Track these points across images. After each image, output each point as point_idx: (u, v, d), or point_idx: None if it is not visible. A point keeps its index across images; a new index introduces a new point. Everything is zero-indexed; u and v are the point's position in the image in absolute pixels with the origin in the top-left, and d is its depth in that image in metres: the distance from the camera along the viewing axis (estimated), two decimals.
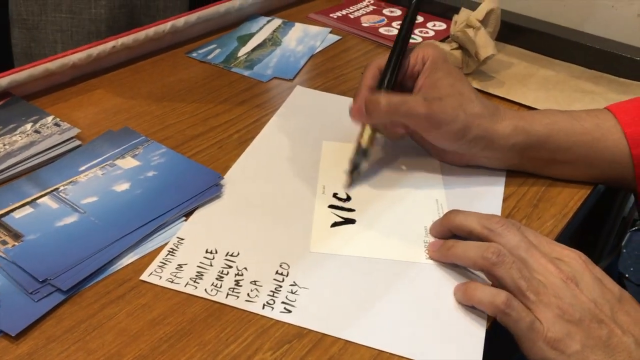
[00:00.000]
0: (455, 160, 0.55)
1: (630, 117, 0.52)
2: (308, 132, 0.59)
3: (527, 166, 0.54)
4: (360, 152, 0.52)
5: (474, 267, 0.43)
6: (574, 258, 0.41)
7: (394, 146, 0.57)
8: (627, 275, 1.24)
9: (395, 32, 0.78)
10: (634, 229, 1.27)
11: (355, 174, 0.52)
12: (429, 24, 0.81)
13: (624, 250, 1.30)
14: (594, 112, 0.53)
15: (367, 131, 0.53)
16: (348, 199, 0.51)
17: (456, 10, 0.72)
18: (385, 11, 0.84)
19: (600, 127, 0.52)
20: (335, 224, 0.49)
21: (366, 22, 0.80)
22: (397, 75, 0.53)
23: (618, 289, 0.40)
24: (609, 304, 0.39)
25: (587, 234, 0.92)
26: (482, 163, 0.54)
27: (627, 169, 0.51)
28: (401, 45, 0.53)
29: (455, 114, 0.50)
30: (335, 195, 0.52)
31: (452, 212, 0.46)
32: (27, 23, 0.78)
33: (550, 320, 0.38)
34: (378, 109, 0.50)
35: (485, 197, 0.52)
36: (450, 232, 0.46)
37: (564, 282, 0.40)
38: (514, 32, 0.76)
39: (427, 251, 0.46)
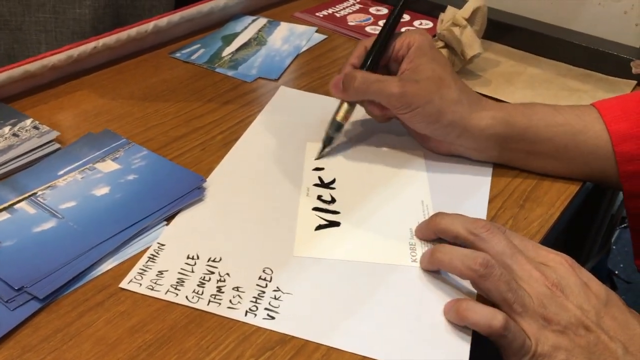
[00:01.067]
0: (435, 147, 0.55)
1: (614, 114, 0.51)
2: (292, 133, 0.58)
3: (507, 158, 0.54)
4: (335, 126, 0.55)
5: (460, 277, 0.42)
6: (559, 262, 0.41)
7: (379, 147, 0.57)
8: (616, 272, 1.25)
9: None
10: (622, 226, 1.27)
11: (327, 147, 0.55)
12: (416, 23, 0.80)
13: (614, 247, 1.30)
14: (578, 106, 0.53)
15: (344, 106, 0.54)
16: (333, 201, 0.51)
17: (442, 9, 0.71)
18: (372, 10, 0.83)
19: (581, 119, 0.51)
20: (319, 227, 0.48)
21: (352, 20, 0.80)
22: (380, 57, 0.54)
23: (604, 292, 0.40)
24: (595, 310, 0.39)
25: (576, 232, 0.92)
26: (462, 153, 0.54)
27: (609, 165, 0.51)
28: (389, 28, 0.54)
29: (429, 97, 0.50)
30: (319, 197, 0.51)
31: (438, 215, 0.45)
32: (10, 24, 0.77)
33: (536, 333, 0.38)
34: (352, 85, 0.52)
35: (471, 198, 0.52)
36: (435, 235, 0.45)
37: (549, 289, 0.39)
38: (500, 30, 0.75)
39: (417, 262, 0.45)
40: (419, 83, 0.51)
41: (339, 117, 0.55)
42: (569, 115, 0.52)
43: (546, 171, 0.54)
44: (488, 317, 0.38)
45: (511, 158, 0.54)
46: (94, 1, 0.77)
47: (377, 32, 0.76)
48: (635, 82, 0.69)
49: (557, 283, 0.39)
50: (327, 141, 0.55)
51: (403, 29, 0.78)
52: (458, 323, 0.40)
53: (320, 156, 0.55)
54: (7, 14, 0.75)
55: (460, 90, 0.52)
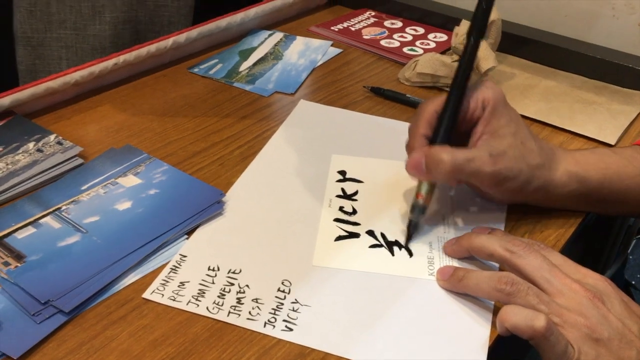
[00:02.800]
0: (505, 202, 0.52)
1: None
2: (314, 145, 0.59)
3: (578, 208, 0.52)
4: (418, 210, 0.49)
5: (488, 299, 0.42)
6: (599, 279, 0.41)
7: (402, 160, 0.57)
8: (633, 283, 1.23)
9: (397, 44, 0.78)
10: (639, 236, 1.26)
11: (413, 230, 0.49)
12: (430, 36, 0.81)
13: (630, 257, 1.29)
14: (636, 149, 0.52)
15: (425, 187, 0.49)
16: (354, 212, 0.51)
17: (457, 22, 0.72)
18: (387, 23, 0.84)
19: None
20: (339, 238, 0.49)
21: (367, 34, 0.80)
22: (455, 124, 0.49)
23: None
24: (637, 326, 0.38)
25: (592, 243, 0.91)
26: (531, 203, 0.52)
27: None
28: (460, 91, 0.49)
29: (519, 169, 0.47)
30: (341, 208, 0.52)
31: (472, 234, 0.46)
32: (32, 41, 0.79)
33: (579, 340, 0.37)
34: (441, 168, 0.46)
35: (489, 210, 0.52)
36: (468, 253, 0.46)
37: (590, 300, 0.39)
38: (515, 43, 0.76)
39: (434, 275, 0.45)
40: (506, 155, 0.47)
41: (422, 200, 0.49)
42: (638, 161, 0.51)
43: (612, 214, 0.53)
44: (529, 318, 0.37)
45: (583, 207, 0.52)
46: (114, 17, 0.79)
47: (392, 45, 0.78)
48: None
49: (598, 296, 0.39)
50: (413, 228, 0.49)
51: (417, 42, 0.79)
52: (498, 328, 0.39)
53: (407, 244, 0.49)
54: (30, 31, 0.77)
55: (540, 151, 0.49)
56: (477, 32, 0.50)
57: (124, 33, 0.81)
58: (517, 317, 0.38)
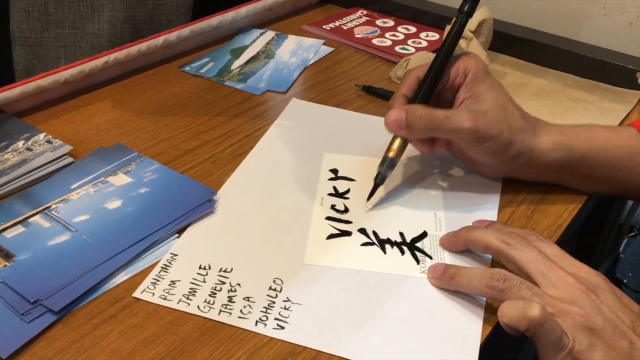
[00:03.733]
0: (491, 172, 0.54)
1: None
2: (306, 144, 0.59)
3: (565, 181, 0.53)
4: (388, 163, 0.51)
5: (481, 296, 0.42)
6: (593, 274, 0.41)
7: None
8: (625, 281, 1.24)
9: (389, 43, 0.78)
10: (631, 234, 1.27)
11: (380, 183, 0.51)
12: (422, 34, 0.81)
13: (622, 256, 1.30)
14: (631, 127, 0.53)
15: (397, 142, 0.51)
16: (346, 210, 0.51)
17: (448, 21, 0.71)
18: (379, 22, 0.84)
19: (636, 138, 0.51)
20: (331, 236, 0.49)
21: (359, 33, 0.80)
22: (435, 87, 0.52)
23: (637, 307, 0.40)
24: (630, 318, 0.39)
25: (584, 242, 0.92)
26: (517, 176, 0.53)
27: None
28: (443, 57, 0.51)
29: (499, 129, 0.49)
30: (333, 207, 0.51)
31: (470, 227, 0.46)
32: (30, 40, 0.78)
33: (573, 329, 0.37)
34: (419, 124, 0.48)
35: (481, 209, 0.52)
36: (464, 245, 0.46)
37: (584, 292, 0.39)
38: (506, 41, 0.76)
39: (426, 273, 0.45)
40: (487, 114, 0.49)
41: (392, 154, 0.51)
42: (626, 135, 0.52)
43: (601, 193, 0.54)
44: (522, 308, 0.37)
45: (568, 181, 0.53)
46: (112, 16, 0.79)
47: (384, 44, 0.78)
48: None
49: (592, 288, 0.39)
50: (381, 180, 0.51)
51: (409, 41, 0.79)
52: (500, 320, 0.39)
53: (370, 201, 0.51)
54: (27, 31, 0.77)
55: (523, 117, 0.51)
56: (471, 4, 0.53)
57: (122, 32, 0.80)
58: (511, 310, 0.38)
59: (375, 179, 0.51)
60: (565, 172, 0.52)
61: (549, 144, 0.51)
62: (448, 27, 0.71)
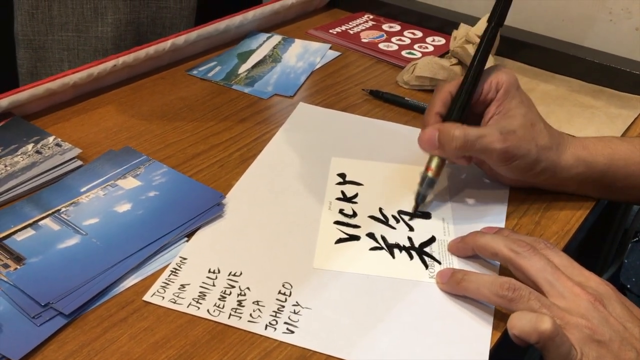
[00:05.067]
0: (512, 183, 0.54)
1: None
2: (314, 148, 0.59)
3: (584, 192, 0.54)
4: (427, 183, 0.51)
5: (489, 304, 0.43)
6: (601, 283, 0.41)
7: (402, 162, 0.57)
8: (628, 286, 1.24)
9: (395, 47, 0.78)
10: (635, 240, 1.27)
11: (420, 202, 0.52)
12: (428, 39, 0.81)
13: (626, 261, 1.30)
14: None
15: (435, 161, 0.51)
16: (354, 215, 0.51)
17: (455, 26, 0.72)
18: (385, 27, 0.84)
19: None
20: (339, 240, 0.49)
21: (366, 37, 0.81)
22: (469, 104, 0.51)
23: None
24: (638, 328, 0.39)
25: (589, 247, 0.92)
26: (539, 187, 0.54)
27: None
28: (475, 73, 0.51)
29: (528, 148, 0.49)
30: (341, 211, 0.52)
31: (478, 233, 0.46)
32: (33, 43, 0.78)
33: (580, 342, 0.38)
34: (453, 143, 0.49)
35: (489, 214, 0.52)
36: (472, 251, 0.46)
37: (591, 304, 0.39)
38: (513, 47, 0.76)
39: (434, 278, 0.45)
40: (516, 134, 0.49)
41: (431, 173, 0.51)
42: None
43: (617, 200, 0.55)
44: (534, 321, 0.37)
45: (587, 192, 0.54)
46: (116, 19, 0.79)
47: (390, 48, 0.78)
48: None
49: (599, 299, 0.39)
50: (421, 200, 0.52)
51: (416, 46, 0.79)
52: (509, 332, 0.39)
53: (414, 215, 0.51)
54: (31, 34, 0.77)
55: (549, 134, 0.51)
56: (498, 18, 0.52)
57: (126, 35, 0.81)
58: (522, 321, 0.38)
59: (416, 199, 0.52)
60: (585, 185, 0.53)
61: (571, 159, 0.51)
62: (455, 32, 0.71)
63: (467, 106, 0.51)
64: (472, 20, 0.71)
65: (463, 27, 0.70)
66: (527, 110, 0.50)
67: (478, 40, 0.69)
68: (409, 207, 0.52)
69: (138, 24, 0.82)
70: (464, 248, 0.46)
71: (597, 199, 0.54)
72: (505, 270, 0.45)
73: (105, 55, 0.66)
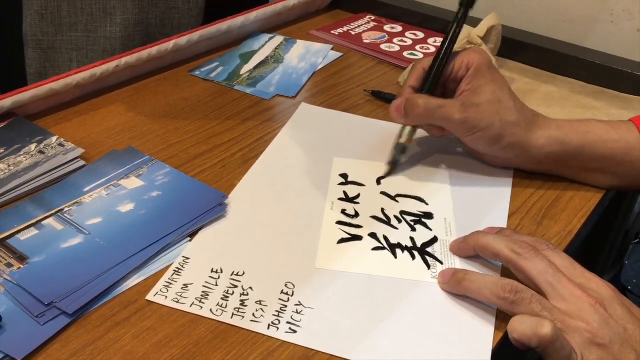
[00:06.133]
0: (491, 161, 0.57)
1: None
2: (316, 149, 0.59)
3: (562, 172, 0.56)
4: (399, 149, 0.55)
5: (491, 305, 0.43)
6: (602, 285, 0.41)
7: (406, 163, 0.58)
8: (629, 288, 1.24)
9: (397, 48, 0.78)
10: (636, 241, 1.27)
11: (393, 167, 0.56)
12: (430, 40, 0.81)
13: (627, 262, 1.30)
14: (629, 122, 0.54)
15: (407, 129, 0.55)
16: (356, 215, 0.51)
17: None
18: (387, 27, 0.84)
19: (635, 134, 0.53)
20: (341, 241, 0.49)
21: (367, 38, 0.81)
22: (439, 79, 0.55)
23: None
24: (639, 330, 0.39)
25: (590, 248, 0.92)
26: (517, 166, 0.56)
27: None
28: (446, 50, 0.55)
29: (490, 121, 0.52)
30: (343, 211, 0.52)
31: (480, 232, 0.46)
32: (42, 43, 0.78)
33: (581, 345, 0.38)
34: (415, 111, 0.53)
35: (491, 214, 0.52)
36: (474, 252, 0.46)
37: (592, 306, 0.39)
38: (515, 48, 0.76)
39: (437, 278, 0.46)
40: (479, 107, 0.52)
41: (403, 140, 0.55)
42: (623, 130, 0.53)
43: (599, 185, 0.55)
44: (535, 325, 0.37)
45: (566, 172, 0.56)
46: (125, 20, 0.79)
47: (392, 49, 0.78)
48: None
49: (600, 302, 0.39)
50: (394, 165, 0.56)
51: (417, 47, 0.79)
52: (510, 335, 0.39)
53: (386, 176, 0.56)
54: (40, 34, 0.77)
55: (518, 112, 0.53)
56: (468, 2, 0.56)
57: (134, 35, 0.81)
58: (522, 326, 0.38)
59: (389, 164, 0.56)
60: (561, 165, 0.54)
61: (542, 138, 0.53)
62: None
63: (437, 80, 0.55)
64: (473, 22, 0.71)
65: (465, 29, 0.70)
66: (496, 88, 0.53)
67: (480, 41, 0.69)
68: (412, 208, 0.53)
69: (147, 25, 0.82)
70: (465, 248, 0.47)
71: (583, 183, 0.55)
72: (507, 270, 0.45)
73: (114, 55, 0.66)
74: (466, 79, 0.54)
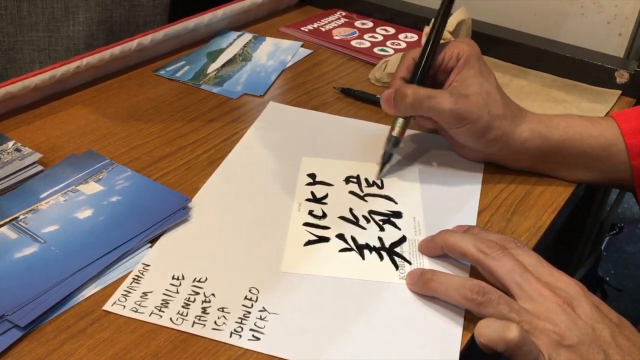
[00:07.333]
0: (472, 156, 0.56)
1: (631, 126, 0.52)
2: (284, 148, 0.58)
3: (540, 168, 0.55)
4: (392, 142, 0.54)
5: (458, 305, 0.42)
6: (570, 283, 0.41)
7: (372, 161, 0.57)
8: (607, 279, 1.24)
9: (367, 44, 0.77)
10: (612, 232, 1.27)
11: (386, 160, 0.55)
12: (401, 36, 0.80)
13: (604, 254, 1.30)
14: (609, 118, 0.54)
15: (399, 121, 0.54)
16: (324, 216, 0.50)
17: (427, 22, 0.71)
18: (357, 23, 0.83)
19: (615, 130, 0.53)
20: (308, 242, 0.48)
21: (338, 35, 0.80)
22: (429, 70, 0.54)
23: (616, 316, 0.40)
24: (609, 329, 0.38)
25: (565, 240, 0.92)
26: (496, 161, 0.56)
27: (627, 175, 0.53)
28: (434, 40, 0.54)
29: (479, 114, 0.51)
30: (311, 212, 0.50)
31: (447, 232, 0.45)
32: (2, 44, 0.76)
33: (548, 347, 0.37)
34: (404, 102, 0.52)
35: (460, 212, 0.51)
36: (441, 251, 0.45)
37: (559, 306, 0.39)
38: (485, 42, 0.75)
39: (405, 279, 0.45)
40: (468, 98, 0.51)
41: (395, 133, 0.54)
42: (603, 126, 0.53)
43: (576, 180, 0.55)
44: (501, 329, 0.37)
45: (544, 168, 0.55)
46: (88, 18, 0.77)
47: (363, 45, 0.77)
48: (620, 92, 0.69)
49: (568, 301, 0.39)
50: (387, 158, 0.55)
51: (388, 43, 0.78)
52: (477, 340, 0.38)
53: (381, 175, 0.55)
54: (0, 35, 0.75)
55: (505, 105, 0.53)
56: None
57: (98, 34, 0.79)
58: (489, 330, 0.37)
59: (383, 157, 0.55)
60: (540, 160, 0.54)
61: (526, 132, 0.53)
62: (426, 28, 0.70)
63: (427, 71, 0.54)
64: None
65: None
66: (484, 79, 0.52)
67: (449, 36, 0.68)
68: (380, 207, 0.51)
69: (111, 23, 0.80)
70: (433, 247, 0.46)
71: (565, 179, 0.55)
72: (476, 269, 0.44)
73: (78, 55, 0.64)
74: (455, 69, 0.53)
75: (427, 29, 0.70)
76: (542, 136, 0.53)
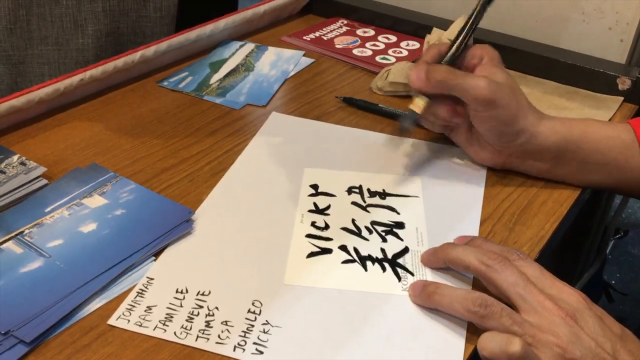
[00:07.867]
0: (488, 157, 0.56)
1: None
2: (286, 159, 0.58)
3: (557, 172, 0.56)
4: (409, 116, 0.54)
5: (461, 318, 0.42)
6: (573, 295, 0.41)
7: (376, 172, 0.57)
8: (612, 283, 1.24)
9: (369, 53, 0.78)
10: (617, 236, 1.27)
11: (403, 132, 0.56)
12: (402, 44, 0.80)
13: (609, 257, 1.30)
14: (626, 122, 0.55)
15: (421, 99, 0.53)
16: (326, 227, 0.50)
17: (428, 30, 0.71)
18: (359, 32, 0.83)
19: (631, 133, 0.54)
20: (311, 254, 0.48)
21: (340, 43, 0.80)
22: (458, 58, 0.54)
23: (619, 328, 0.40)
24: (611, 342, 0.38)
25: (570, 246, 0.92)
26: (515, 165, 0.56)
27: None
28: (470, 28, 0.55)
29: (509, 101, 0.52)
30: (313, 223, 0.51)
31: (449, 245, 0.46)
32: (12, 58, 0.77)
33: None
34: (437, 76, 0.51)
35: (462, 222, 0.52)
36: (444, 264, 0.45)
37: (562, 319, 0.39)
38: None
39: (407, 291, 0.45)
40: (501, 85, 0.52)
41: (415, 108, 0.53)
42: (620, 129, 0.54)
43: (596, 186, 0.56)
44: (504, 343, 0.37)
45: (563, 172, 0.55)
46: (96, 30, 0.78)
47: (365, 54, 0.77)
48: (622, 98, 0.69)
49: (571, 314, 0.39)
50: (403, 131, 0.55)
51: (390, 51, 0.78)
52: (480, 353, 0.39)
53: (403, 133, 0.56)
54: (10, 49, 0.75)
55: (529, 102, 0.54)
56: None
57: (107, 45, 0.80)
58: (492, 343, 0.37)
59: (400, 129, 0.55)
60: (560, 161, 0.54)
61: (547, 130, 0.54)
62: (428, 37, 0.71)
63: (457, 58, 0.54)
64: (445, 24, 0.70)
65: (436, 32, 0.70)
66: (509, 78, 0.53)
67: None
68: (383, 217, 0.52)
69: (119, 34, 0.80)
70: (436, 261, 0.46)
71: (576, 185, 0.55)
72: (479, 281, 0.44)
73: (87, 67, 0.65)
74: (481, 67, 0.54)
75: (428, 37, 0.70)
76: (563, 135, 0.53)
